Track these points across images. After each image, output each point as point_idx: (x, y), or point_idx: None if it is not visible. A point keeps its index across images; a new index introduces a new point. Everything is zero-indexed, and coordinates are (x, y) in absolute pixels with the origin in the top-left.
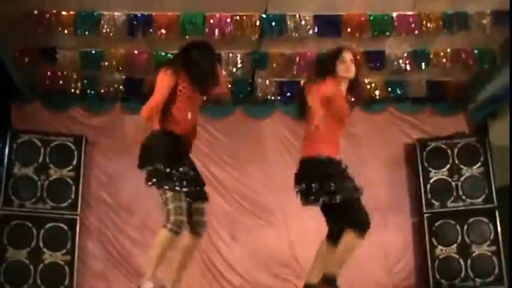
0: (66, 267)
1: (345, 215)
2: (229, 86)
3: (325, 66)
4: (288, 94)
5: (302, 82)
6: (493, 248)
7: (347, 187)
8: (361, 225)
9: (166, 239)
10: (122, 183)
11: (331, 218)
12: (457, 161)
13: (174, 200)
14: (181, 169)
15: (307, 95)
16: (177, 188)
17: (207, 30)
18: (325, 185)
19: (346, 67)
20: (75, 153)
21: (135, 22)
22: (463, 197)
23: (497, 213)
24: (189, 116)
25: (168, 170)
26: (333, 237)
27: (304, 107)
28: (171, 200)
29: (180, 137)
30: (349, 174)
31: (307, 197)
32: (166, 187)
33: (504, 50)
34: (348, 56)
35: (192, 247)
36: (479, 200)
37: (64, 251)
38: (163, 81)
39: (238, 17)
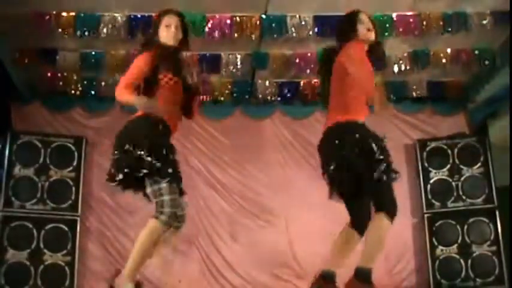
0: (66, 268)
1: (380, 197)
2: (229, 87)
3: (344, 30)
4: (288, 95)
5: (302, 83)
6: (494, 248)
7: (389, 164)
8: (394, 209)
9: (158, 231)
10: None
11: (359, 202)
12: (457, 161)
13: (170, 192)
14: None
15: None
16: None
17: (207, 31)
18: (368, 157)
19: (367, 27)
20: (76, 154)
21: (134, 23)
22: (464, 197)
23: (497, 213)
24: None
25: (162, 162)
26: (360, 224)
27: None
28: (168, 192)
29: (168, 124)
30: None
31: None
32: (166, 179)
33: (504, 50)
34: (365, 17)
35: (171, 238)
36: (480, 200)
37: (64, 252)
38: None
39: (238, 18)
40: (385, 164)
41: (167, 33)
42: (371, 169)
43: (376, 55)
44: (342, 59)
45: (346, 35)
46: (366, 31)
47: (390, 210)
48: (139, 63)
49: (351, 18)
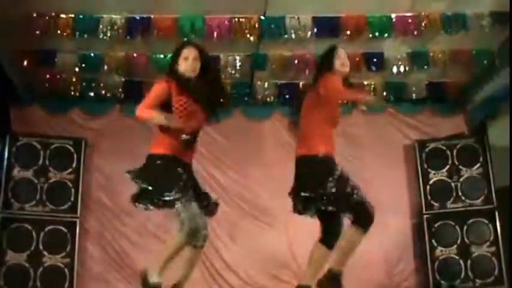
0: (66, 270)
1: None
2: (228, 88)
3: (322, 65)
4: (287, 96)
5: (301, 84)
6: (493, 248)
7: (346, 192)
8: (366, 222)
9: (181, 244)
10: (122, 186)
11: (328, 220)
12: (456, 162)
13: (185, 209)
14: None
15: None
16: (186, 199)
17: (206, 32)
18: (324, 188)
19: (342, 62)
20: (75, 155)
21: (133, 25)
22: (463, 198)
23: (496, 214)
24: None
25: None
26: (328, 240)
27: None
28: (182, 209)
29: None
30: (347, 176)
31: (305, 204)
32: (176, 203)
33: (503, 51)
34: (342, 53)
35: (193, 259)
36: (479, 200)
37: (64, 253)
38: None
39: (237, 19)
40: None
41: (185, 65)
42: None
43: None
44: (320, 90)
45: (323, 69)
46: (340, 66)
47: (362, 222)
48: (157, 90)
49: (329, 54)
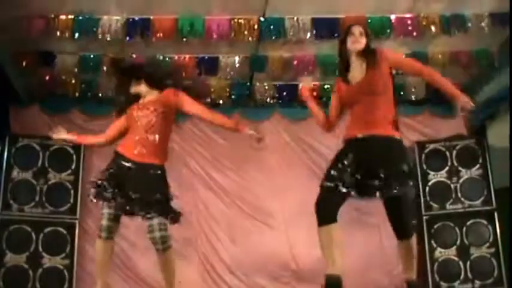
0: (65, 272)
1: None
2: (227, 89)
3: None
4: (287, 97)
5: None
6: (492, 250)
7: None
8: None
9: (97, 246)
10: None
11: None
12: (455, 163)
13: (102, 208)
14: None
15: None
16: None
17: (205, 33)
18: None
19: (353, 40)
20: (74, 157)
21: (133, 26)
22: (462, 199)
23: (496, 215)
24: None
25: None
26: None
27: None
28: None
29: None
30: None
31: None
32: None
33: (503, 52)
34: (356, 29)
35: (162, 263)
36: (478, 202)
37: (63, 255)
38: None
39: (236, 20)
40: None
41: None
42: None
43: (368, 59)
44: None
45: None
46: (350, 43)
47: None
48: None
49: (344, 34)
